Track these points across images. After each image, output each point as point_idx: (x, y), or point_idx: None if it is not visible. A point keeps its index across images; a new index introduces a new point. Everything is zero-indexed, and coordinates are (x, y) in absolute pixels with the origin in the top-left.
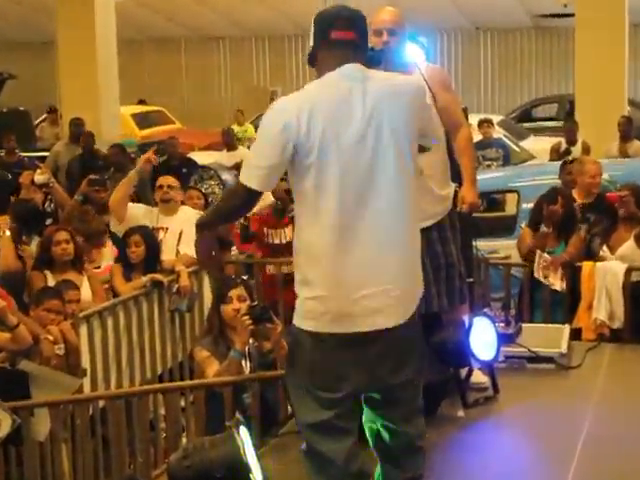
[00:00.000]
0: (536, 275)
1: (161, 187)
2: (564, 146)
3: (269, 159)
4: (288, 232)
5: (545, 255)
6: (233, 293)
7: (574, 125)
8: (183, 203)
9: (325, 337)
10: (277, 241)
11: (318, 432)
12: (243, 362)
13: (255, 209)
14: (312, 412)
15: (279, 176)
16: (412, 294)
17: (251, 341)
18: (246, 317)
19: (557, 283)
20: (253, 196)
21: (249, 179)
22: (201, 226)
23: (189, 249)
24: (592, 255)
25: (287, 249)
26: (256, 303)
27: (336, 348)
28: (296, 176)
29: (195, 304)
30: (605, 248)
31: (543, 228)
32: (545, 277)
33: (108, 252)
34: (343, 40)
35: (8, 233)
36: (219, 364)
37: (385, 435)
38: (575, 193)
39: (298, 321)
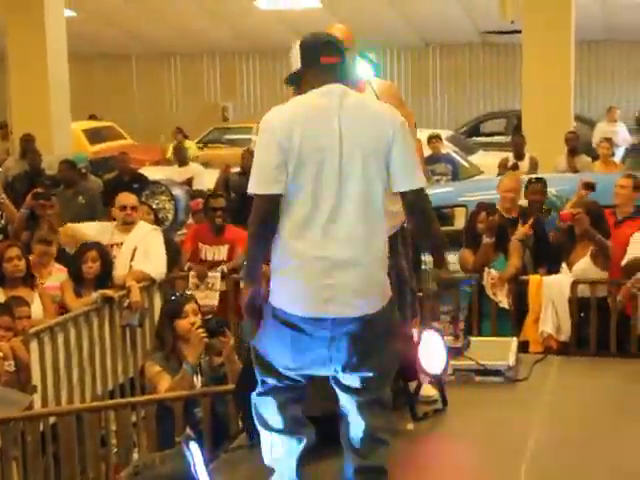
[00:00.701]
0: (487, 292)
1: (124, 208)
2: (512, 161)
3: (270, 162)
4: (224, 250)
5: (492, 271)
6: (188, 308)
7: (521, 140)
8: None
9: (292, 317)
10: (210, 257)
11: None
12: (195, 377)
13: None
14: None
15: (284, 177)
16: (372, 294)
17: (202, 356)
18: (201, 330)
19: (504, 300)
20: (269, 200)
21: (258, 186)
22: (247, 278)
23: (142, 264)
24: (523, 267)
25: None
26: (211, 316)
27: (302, 327)
28: None
29: (146, 319)
30: (564, 265)
31: (485, 239)
32: (494, 294)
33: (56, 270)
34: (331, 64)
35: None
36: (171, 379)
37: (349, 427)
38: (500, 207)
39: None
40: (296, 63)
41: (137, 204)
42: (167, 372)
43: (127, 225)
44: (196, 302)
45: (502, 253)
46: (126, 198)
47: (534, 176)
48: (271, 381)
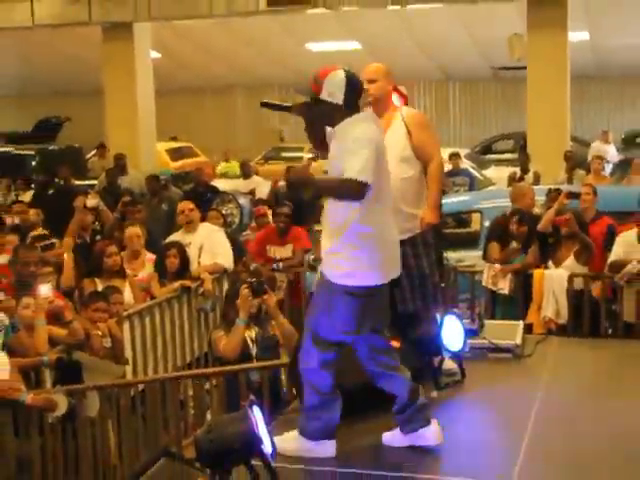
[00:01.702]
0: (484, 284)
1: (182, 212)
2: (519, 174)
3: (372, 160)
4: (288, 249)
5: (495, 265)
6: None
7: (527, 157)
8: (204, 220)
9: (370, 288)
10: (278, 256)
11: None
12: (251, 345)
13: None
14: None
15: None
16: None
17: (257, 329)
18: (246, 290)
19: (506, 287)
20: (365, 187)
21: (361, 174)
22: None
23: (215, 258)
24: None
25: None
26: (254, 279)
27: (374, 293)
28: None
29: (217, 305)
30: (551, 263)
31: (514, 244)
32: (494, 284)
33: (147, 263)
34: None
35: (66, 257)
36: None
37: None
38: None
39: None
40: (337, 92)
41: (193, 206)
42: (227, 336)
43: (189, 225)
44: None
45: (524, 253)
46: (183, 205)
47: (554, 186)
48: (327, 354)
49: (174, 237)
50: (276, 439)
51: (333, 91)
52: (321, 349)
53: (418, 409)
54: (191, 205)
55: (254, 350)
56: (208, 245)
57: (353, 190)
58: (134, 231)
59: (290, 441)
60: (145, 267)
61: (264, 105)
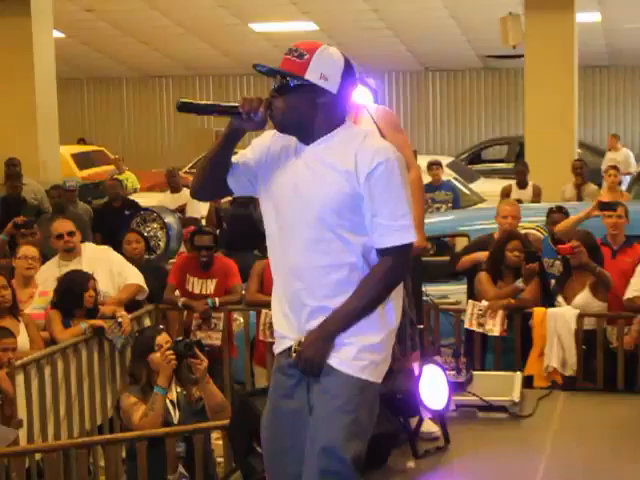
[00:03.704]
0: (466, 326)
1: (61, 236)
2: (515, 189)
3: None
4: (210, 285)
5: (481, 303)
6: (161, 339)
7: (525, 167)
8: (121, 244)
9: None
10: (197, 291)
11: None
12: (172, 410)
13: None
14: None
15: None
16: None
17: (179, 389)
18: (169, 352)
19: (496, 329)
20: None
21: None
22: None
23: (113, 286)
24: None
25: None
26: (181, 338)
27: None
28: None
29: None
30: (560, 299)
31: (519, 284)
32: (480, 325)
33: (40, 297)
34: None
35: None
36: None
37: None
38: (496, 234)
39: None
40: (333, 74)
41: (73, 228)
42: (143, 403)
43: (70, 253)
44: (169, 333)
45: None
46: (61, 225)
47: (555, 205)
48: None
49: (49, 268)
50: None
51: (327, 73)
52: None
53: None
54: (71, 227)
55: (176, 416)
56: (101, 270)
57: (405, 263)
58: (29, 251)
59: None
60: (35, 301)
61: (182, 108)
